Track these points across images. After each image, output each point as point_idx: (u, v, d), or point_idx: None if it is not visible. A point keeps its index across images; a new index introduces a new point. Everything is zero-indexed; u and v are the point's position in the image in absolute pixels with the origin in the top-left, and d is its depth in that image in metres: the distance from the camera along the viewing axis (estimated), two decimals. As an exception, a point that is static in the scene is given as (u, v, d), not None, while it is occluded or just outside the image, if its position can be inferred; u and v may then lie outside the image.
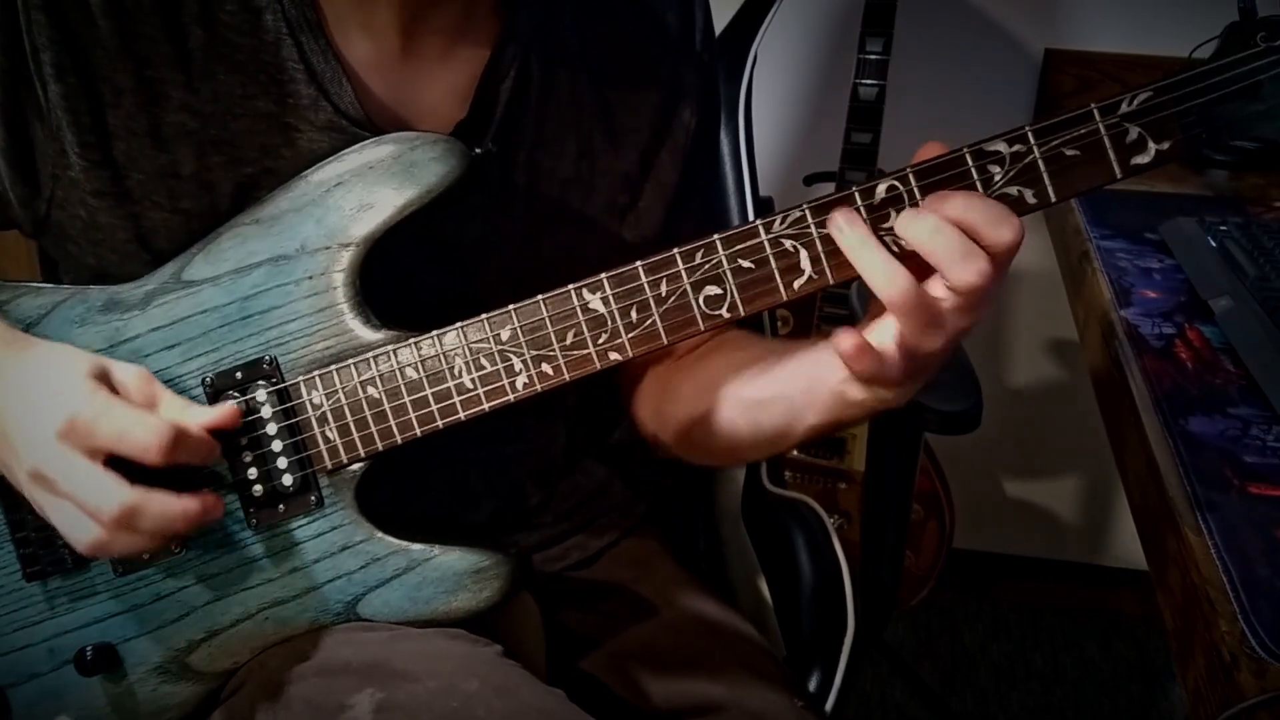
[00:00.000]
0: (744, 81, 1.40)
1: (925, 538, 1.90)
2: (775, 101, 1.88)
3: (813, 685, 1.03)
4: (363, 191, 0.75)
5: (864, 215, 0.68)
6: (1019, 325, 1.99)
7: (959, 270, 0.65)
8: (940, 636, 2.09)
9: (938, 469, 1.89)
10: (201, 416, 0.73)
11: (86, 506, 0.69)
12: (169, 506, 0.70)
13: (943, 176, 0.68)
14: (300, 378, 0.76)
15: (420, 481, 0.86)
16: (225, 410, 0.74)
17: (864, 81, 1.62)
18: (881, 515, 1.64)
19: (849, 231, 0.67)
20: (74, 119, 0.75)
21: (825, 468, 1.82)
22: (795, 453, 1.82)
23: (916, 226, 0.66)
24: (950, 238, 0.65)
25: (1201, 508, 0.77)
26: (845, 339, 0.67)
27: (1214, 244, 1.15)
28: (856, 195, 0.68)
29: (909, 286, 0.66)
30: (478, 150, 0.78)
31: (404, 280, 0.79)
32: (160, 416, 0.71)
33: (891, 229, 0.68)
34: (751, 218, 1.25)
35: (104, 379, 0.71)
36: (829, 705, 1.02)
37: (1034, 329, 1.98)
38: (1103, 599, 2.13)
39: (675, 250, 0.71)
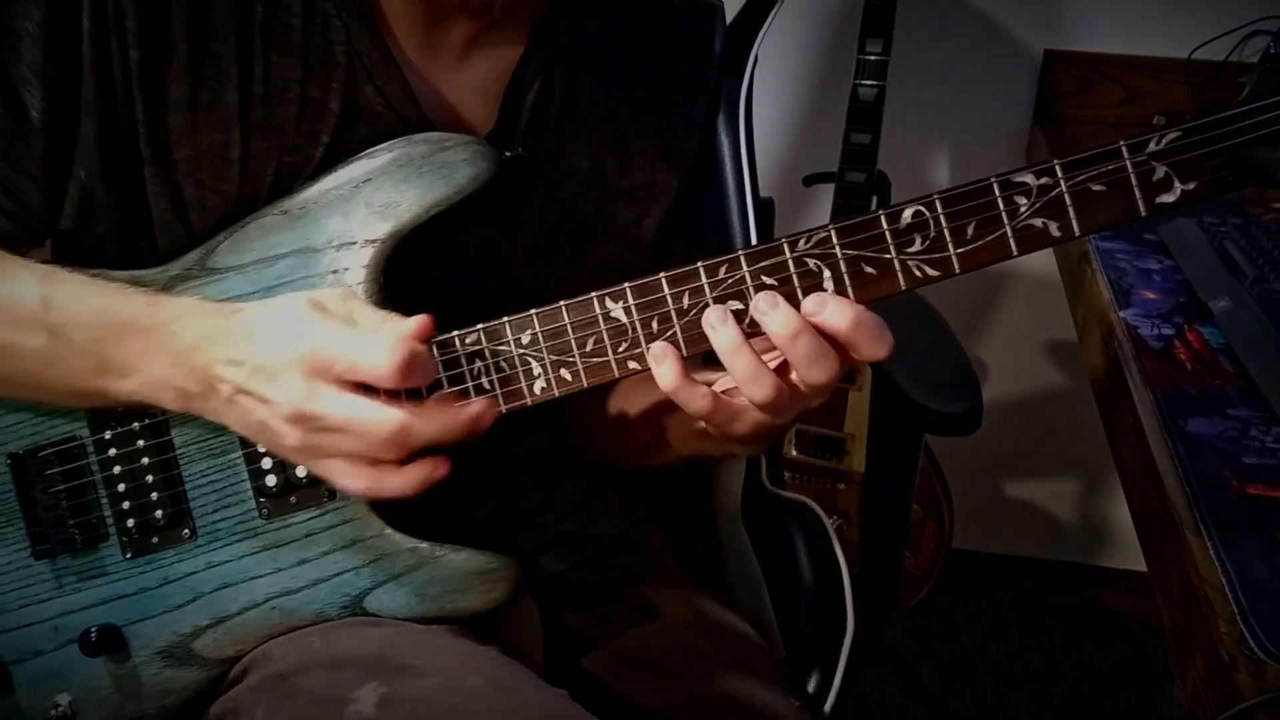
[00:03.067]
0: (744, 82, 1.40)
1: (924, 538, 1.90)
2: (775, 102, 1.88)
3: (812, 686, 1.03)
4: (391, 189, 0.75)
5: (745, 318, 0.70)
6: (1019, 326, 1.99)
7: (812, 372, 0.69)
8: (939, 637, 2.09)
9: (937, 469, 1.89)
10: (404, 327, 0.71)
11: (364, 430, 0.69)
12: (442, 416, 0.71)
13: (969, 205, 0.68)
14: None
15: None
16: (422, 321, 0.71)
17: (864, 82, 1.62)
18: (881, 516, 1.64)
19: (721, 330, 0.70)
20: (145, 86, 0.75)
21: (825, 468, 1.82)
22: (794, 453, 1.82)
23: (777, 321, 0.68)
24: (806, 343, 0.68)
25: (1200, 509, 0.77)
26: (699, 401, 0.70)
27: (1213, 245, 1.15)
28: (882, 219, 0.69)
29: (773, 390, 0.69)
30: (508, 154, 0.79)
31: (416, 282, 0.80)
32: (389, 337, 0.69)
33: (909, 252, 0.68)
34: (752, 218, 1.26)
35: (321, 308, 0.71)
36: (828, 706, 1.02)
37: (1034, 330, 1.99)
38: (1102, 600, 2.14)
39: (699, 264, 0.71)
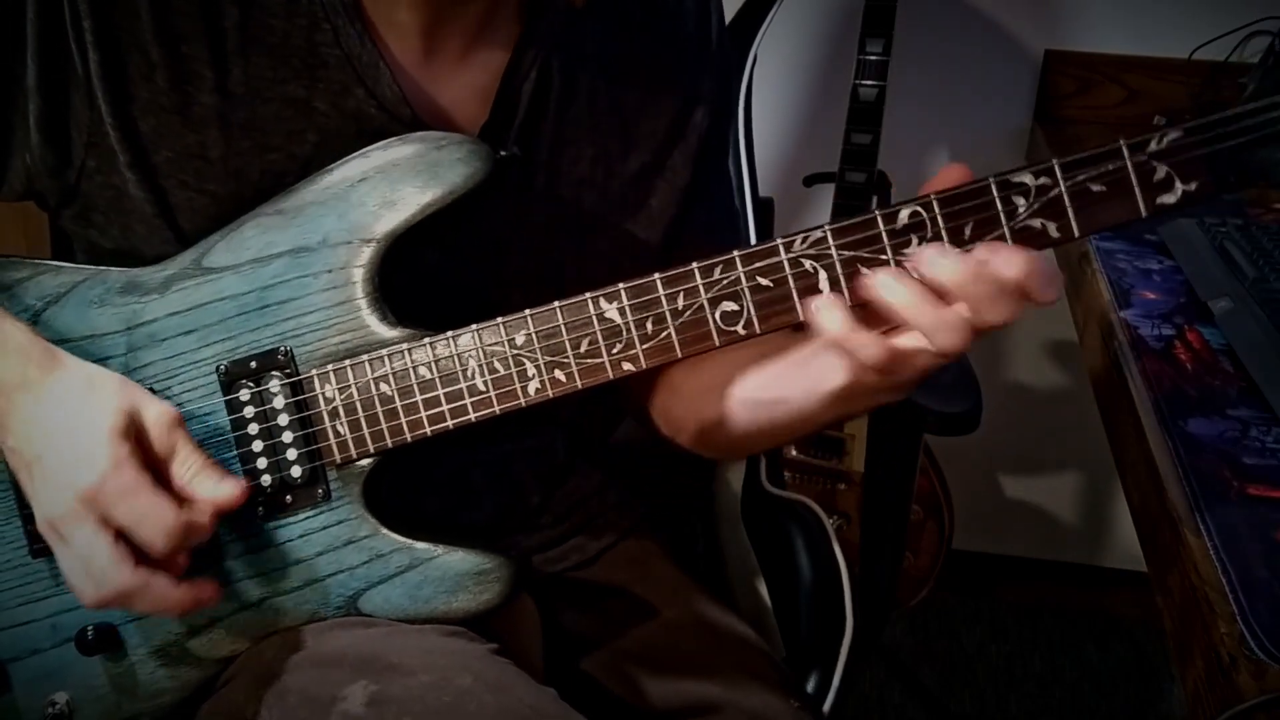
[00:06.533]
0: (744, 81, 1.40)
1: (924, 539, 1.90)
2: (775, 102, 1.88)
3: (811, 686, 1.03)
4: (386, 188, 0.75)
5: (889, 250, 0.67)
6: (1019, 326, 1.96)
7: (992, 313, 0.65)
8: (938, 638, 2.09)
9: (937, 470, 1.89)
10: (212, 492, 0.71)
11: (92, 573, 0.70)
12: (166, 595, 0.71)
13: (967, 205, 0.67)
14: (314, 370, 0.76)
15: (422, 478, 0.86)
16: (237, 490, 0.72)
17: (864, 82, 1.62)
18: (880, 516, 1.64)
19: (897, 288, 0.66)
20: (108, 88, 0.75)
21: (824, 468, 1.82)
22: (794, 453, 1.82)
23: (949, 269, 0.65)
24: (982, 288, 0.64)
25: (1201, 509, 0.77)
26: (872, 349, 0.66)
27: (1213, 245, 1.15)
28: (879, 219, 0.68)
29: (964, 332, 0.65)
30: (503, 153, 0.79)
31: (420, 277, 0.80)
32: (176, 514, 0.70)
33: (906, 253, 0.67)
34: (751, 218, 1.26)
35: (131, 433, 0.70)
36: (827, 706, 1.02)
37: (1034, 330, 1.98)
38: (1101, 600, 2.13)
39: (694, 265, 0.71)
